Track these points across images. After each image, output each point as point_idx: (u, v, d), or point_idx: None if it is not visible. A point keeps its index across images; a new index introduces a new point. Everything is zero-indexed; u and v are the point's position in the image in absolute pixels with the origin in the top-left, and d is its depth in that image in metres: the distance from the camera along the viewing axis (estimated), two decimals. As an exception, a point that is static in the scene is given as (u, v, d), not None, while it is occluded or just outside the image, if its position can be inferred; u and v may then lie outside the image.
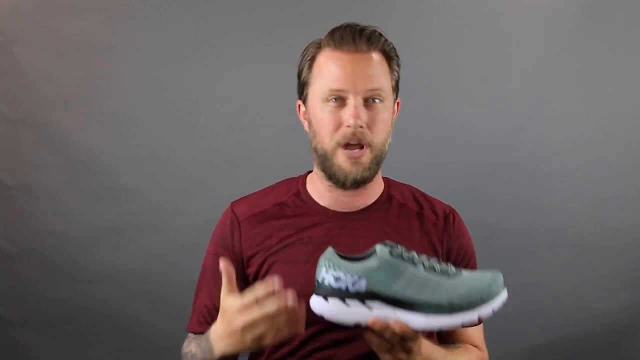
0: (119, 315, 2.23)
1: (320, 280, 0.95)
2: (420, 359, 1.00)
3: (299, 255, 1.13)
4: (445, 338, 1.21)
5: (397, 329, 0.92)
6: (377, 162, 1.13)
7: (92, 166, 2.22)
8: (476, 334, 1.22)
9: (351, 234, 1.15)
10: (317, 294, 0.96)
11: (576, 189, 2.29)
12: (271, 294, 0.92)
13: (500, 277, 0.97)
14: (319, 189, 1.19)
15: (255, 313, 0.92)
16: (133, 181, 2.23)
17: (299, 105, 1.21)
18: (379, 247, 0.95)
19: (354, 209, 1.17)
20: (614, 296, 2.29)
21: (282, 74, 2.12)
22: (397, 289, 0.93)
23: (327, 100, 1.10)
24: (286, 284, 1.02)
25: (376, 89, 1.10)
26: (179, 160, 2.24)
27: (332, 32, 1.13)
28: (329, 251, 0.96)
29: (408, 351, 0.96)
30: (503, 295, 0.96)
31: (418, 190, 1.26)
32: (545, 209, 2.29)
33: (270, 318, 0.92)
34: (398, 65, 1.17)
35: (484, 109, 2.28)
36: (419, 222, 1.19)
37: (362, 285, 0.92)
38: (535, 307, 2.29)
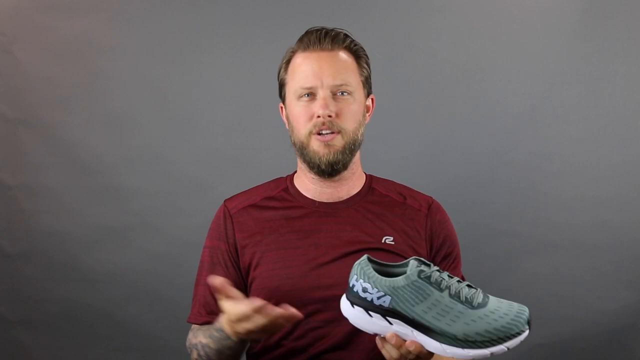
0: (119, 315, 2.24)
1: (351, 285, 1.00)
2: None
3: (289, 242, 1.22)
4: None
5: (411, 348, 0.97)
6: (350, 147, 1.22)
7: (92, 166, 2.23)
8: None
9: (337, 222, 1.24)
10: (347, 298, 1.01)
11: (575, 188, 2.28)
12: (258, 311, 0.98)
13: (525, 314, 0.97)
14: (304, 183, 1.28)
15: (250, 325, 0.99)
16: (133, 181, 2.23)
17: (281, 108, 1.31)
18: (411, 263, 0.98)
19: (338, 200, 1.26)
20: (613, 295, 2.28)
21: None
22: (418, 311, 0.96)
23: (300, 97, 1.21)
24: (279, 269, 1.18)
25: (342, 84, 1.20)
26: (179, 160, 2.24)
27: (302, 38, 1.25)
28: (364, 260, 1.00)
29: None
30: (523, 336, 0.97)
31: (401, 185, 1.34)
32: (545, 208, 2.28)
33: (263, 325, 0.99)
34: (367, 63, 1.27)
35: (484, 109, 2.28)
36: (402, 210, 1.27)
37: (386, 302, 0.96)
38: (534, 307, 2.17)
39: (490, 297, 0.99)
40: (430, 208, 1.29)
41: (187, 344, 1.24)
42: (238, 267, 1.25)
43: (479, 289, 1.00)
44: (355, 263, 1.00)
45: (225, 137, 2.25)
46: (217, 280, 1.01)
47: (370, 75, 1.28)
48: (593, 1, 2.25)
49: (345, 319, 1.03)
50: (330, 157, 1.20)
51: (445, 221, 1.30)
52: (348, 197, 1.27)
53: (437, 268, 0.99)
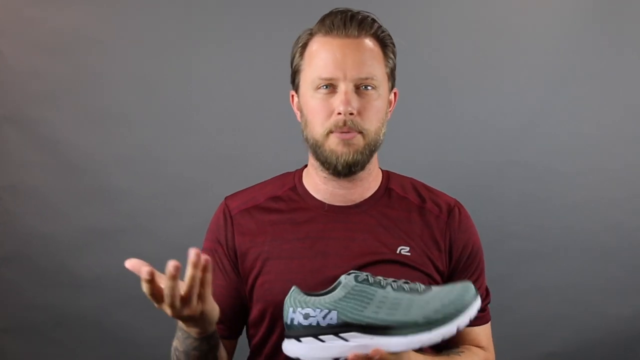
0: (108, 322, 2.21)
1: (289, 322, 0.95)
2: None
3: (294, 251, 1.13)
4: (449, 341, 1.16)
5: (377, 358, 0.91)
6: (370, 149, 1.11)
7: (81, 165, 2.20)
8: (482, 333, 1.19)
9: (348, 228, 1.14)
10: (289, 336, 0.95)
11: (589, 189, 2.29)
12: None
13: (470, 287, 0.99)
14: (314, 182, 1.18)
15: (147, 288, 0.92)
16: (124, 181, 2.21)
17: (292, 96, 1.20)
18: (343, 277, 0.96)
19: (350, 203, 1.16)
20: (628, 302, 2.28)
21: (278, 72, 2.08)
22: (369, 314, 0.92)
23: (318, 88, 1.09)
24: (281, 280, 1.08)
25: (367, 77, 1.08)
26: (172, 159, 2.22)
27: (324, 19, 1.13)
28: (294, 290, 0.96)
29: None
30: (477, 303, 0.97)
31: (421, 183, 1.24)
32: (557, 210, 2.29)
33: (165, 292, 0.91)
34: (394, 53, 1.15)
35: (493, 107, 2.28)
36: (420, 216, 1.17)
37: (333, 318, 0.92)
38: (546, 314, 2.29)
39: (431, 286, 1.00)
40: (450, 214, 1.18)
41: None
42: (238, 271, 1.17)
43: (417, 282, 1.00)
44: (286, 299, 0.95)
45: (220, 136, 2.23)
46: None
47: (395, 66, 1.16)
48: (599, 1, 2.26)
49: None
50: (349, 158, 1.09)
51: (466, 229, 1.19)
52: (362, 200, 1.16)
53: (369, 273, 0.97)
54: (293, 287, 0.96)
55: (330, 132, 1.08)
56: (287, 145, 2.14)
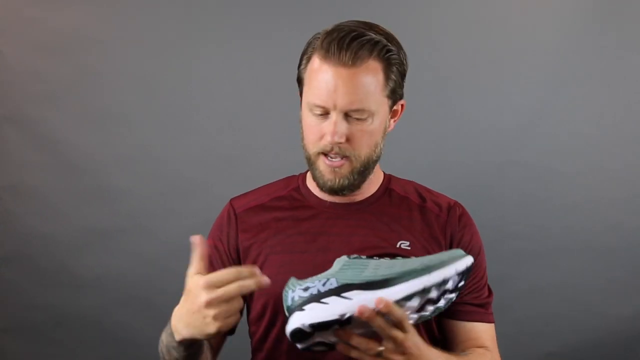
0: (108, 322, 2.22)
1: (289, 302, 0.95)
2: None
3: (295, 245, 1.16)
4: (453, 341, 1.19)
5: (382, 307, 0.90)
6: (360, 171, 1.14)
7: (80, 165, 2.20)
8: (486, 335, 1.19)
9: (349, 224, 1.17)
10: (292, 311, 0.95)
11: (589, 189, 2.29)
12: (239, 277, 0.91)
13: (459, 250, 1.00)
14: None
15: (219, 292, 0.90)
16: (123, 181, 2.21)
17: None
18: (336, 260, 0.98)
19: (351, 201, 1.20)
20: (628, 302, 2.28)
21: (278, 72, 2.08)
22: (368, 274, 0.94)
23: (312, 111, 1.11)
24: (283, 274, 1.05)
25: (358, 109, 1.08)
26: (172, 159, 2.22)
27: (325, 36, 1.09)
28: (291, 280, 0.97)
29: (403, 353, 0.95)
30: (470, 257, 0.98)
31: (421, 186, 1.26)
32: (557, 210, 2.29)
33: (230, 299, 0.91)
34: (399, 70, 1.13)
35: (493, 107, 2.28)
36: (421, 215, 1.20)
37: (332, 283, 0.93)
38: (546, 313, 2.29)
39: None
40: (450, 212, 1.20)
41: None
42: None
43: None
44: (285, 288, 0.96)
45: (220, 136, 2.23)
46: (201, 243, 0.96)
47: (401, 81, 1.14)
48: (598, 2, 2.25)
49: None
50: (335, 184, 1.13)
51: (466, 226, 1.21)
52: (362, 198, 1.20)
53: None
54: (291, 278, 0.97)
55: (319, 153, 1.12)
56: (287, 146, 2.14)
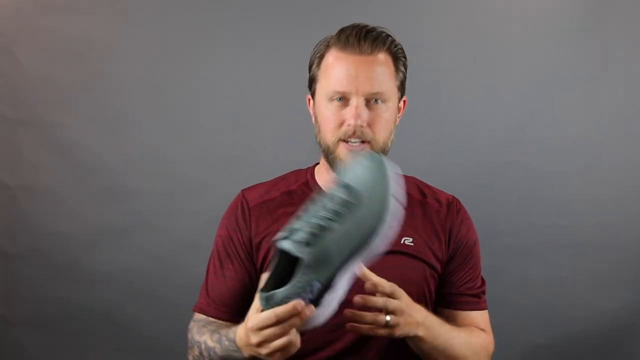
0: (119, 315, 2.23)
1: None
2: (411, 320, 1.03)
3: None
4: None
5: (369, 286, 0.96)
6: None
7: (92, 166, 2.22)
8: (480, 319, 1.25)
9: None
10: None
11: (576, 188, 2.29)
12: (288, 316, 0.89)
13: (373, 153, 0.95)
14: (326, 179, 1.23)
15: (269, 332, 0.90)
16: (133, 181, 2.23)
17: (309, 99, 1.24)
18: (282, 246, 0.89)
19: None
20: (614, 295, 2.29)
21: (282, 73, 2.13)
22: (339, 258, 0.89)
23: (332, 100, 1.14)
24: None
25: (377, 92, 1.14)
26: (179, 160, 2.24)
27: (340, 33, 1.16)
28: (261, 296, 0.89)
29: (394, 312, 0.99)
30: (393, 168, 0.94)
31: (422, 182, 1.30)
32: (546, 208, 2.29)
33: (283, 335, 0.90)
34: (405, 66, 1.20)
35: (485, 109, 2.28)
36: (422, 210, 1.23)
37: (317, 287, 0.89)
38: (535, 306, 2.30)
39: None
40: (450, 207, 1.25)
41: (189, 336, 1.19)
42: (252, 259, 1.21)
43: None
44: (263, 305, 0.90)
45: (225, 136, 2.24)
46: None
47: (405, 77, 1.22)
48: (593, 2, 2.25)
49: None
50: None
51: (463, 221, 1.25)
52: None
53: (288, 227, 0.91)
54: (258, 293, 0.91)
55: (340, 140, 1.14)
56: (288, 146, 2.20)
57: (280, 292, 0.88)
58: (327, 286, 0.90)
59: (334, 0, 2.22)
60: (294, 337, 0.90)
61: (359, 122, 1.12)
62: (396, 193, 0.93)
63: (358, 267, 0.94)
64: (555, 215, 2.29)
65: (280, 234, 0.90)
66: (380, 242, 0.92)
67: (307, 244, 0.87)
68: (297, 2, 2.22)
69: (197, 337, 1.16)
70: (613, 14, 2.26)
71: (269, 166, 2.09)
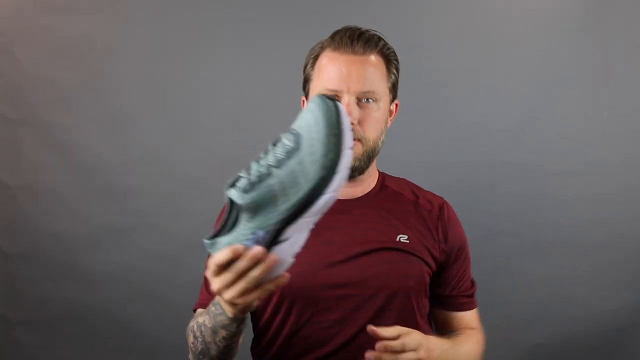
0: (119, 315, 2.24)
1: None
2: (432, 346, 1.07)
3: None
4: (445, 327, 1.29)
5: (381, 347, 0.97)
6: (369, 155, 1.19)
7: (92, 166, 2.23)
8: (473, 317, 1.30)
9: (352, 219, 1.21)
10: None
11: (575, 187, 2.29)
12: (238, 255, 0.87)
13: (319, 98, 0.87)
14: None
15: (225, 277, 0.88)
16: (133, 181, 2.23)
17: (303, 101, 1.26)
18: (230, 193, 0.86)
19: (352, 197, 1.24)
20: (613, 295, 2.29)
21: (282, 73, 2.13)
22: (282, 207, 0.85)
23: None
24: (290, 267, 1.05)
25: (369, 91, 1.15)
26: (178, 160, 2.24)
27: (334, 35, 1.19)
28: (206, 243, 0.88)
29: (415, 348, 1.02)
30: (345, 116, 0.86)
31: (413, 183, 1.32)
32: (545, 207, 2.29)
33: (242, 275, 0.87)
34: (397, 69, 1.22)
35: (485, 109, 2.28)
36: (415, 209, 1.26)
37: (260, 235, 0.86)
38: (535, 306, 2.30)
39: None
40: (441, 210, 1.27)
41: (188, 331, 1.17)
42: None
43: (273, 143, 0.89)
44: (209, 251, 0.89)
45: (226, 136, 2.24)
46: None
47: (397, 81, 1.24)
48: (593, 2, 2.25)
49: (354, 320, 1.03)
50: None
51: (455, 224, 1.29)
52: (362, 194, 1.25)
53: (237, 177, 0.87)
54: (205, 241, 0.89)
55: None
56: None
57: (223, 239, 0.87)
58: (274, 236, 0.86)
59: (334, 1, 2.22)
60: (251, 284, 0.87)
61: (350, 120, 1.09)
62: (345, 140, 0.85)
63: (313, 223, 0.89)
64: (555, 214, 2.29)
65: (227, 182, 0.87)
66: (332, 190, 0.86)
67: (245, 190, 0.85)
68: (297, 2, 2.23)
69: (191, 324, 1.15)
70: (613, 14, 2.26)
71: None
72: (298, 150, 0.85)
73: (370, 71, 1.16)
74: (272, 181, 0.85)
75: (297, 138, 0.86)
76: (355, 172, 1.19)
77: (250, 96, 2.24)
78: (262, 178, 0.85)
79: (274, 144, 0.88)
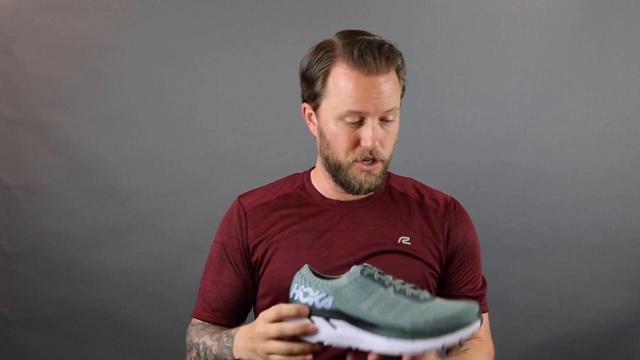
0: (119, 315, 2.24)
1: (291, 295, 0.97)
2: None
3: (301, 242, 1.18)
4: None
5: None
6: (385, 170, 1.19)
7: (92, 166, 2.23)
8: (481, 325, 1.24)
9: (353, 221, 1.19)
10: None
11: (575, 189, 2.30)
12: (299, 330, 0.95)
13: (475, 308, 0.90)
14: (322, 183, 1.23)
15: (279, 347, 0.96)
16: (133, 181, 2.23)
17: (305, 109, 1.20)
18: (353, 267, 0.95)
19: (355, 199, 1.22)
20: (613, 296, 2.30)
21: (282, 74, 2.13)
22: (363, 308, 0.91)
23: (343, 118, 1.11)
24: (289, 269, 1.09)
25: (391, 109, 1.11)
26: (179, 160, 2.24)
27: (349, 46, 1.10)
28: (304, 268, 0.97)
29: None
30: (474, 327, 0.89)
31: (419, 182, 1.30)
32: (545, 208, 2.30)
33: (289, 353, 0.96)
34: (405, 73, 1.18)
35: (484, 110, 2.28)
36: (420, 209, 1.23)
37: (328, 303, 0.92)
38: (535, 307, 2.30)
39: (437, 297, 0.95)
40: (447, 208, 1.24)
41: (188, 339, 1.21)
42: (249, 266, 1.22)
43: (425, 289, 0.96)
44: (296, 274, 0.97)
45: (226, 137, 2.25)
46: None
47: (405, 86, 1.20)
48: (593, 2, 2.25)
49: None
50: (372, 186, 1.15)
51: (463, 221, 1.25)
52: (366, 196, 1.21)
53: (380, 270, 0.95)
54: (305, 265, 0.98)
55: (355, 161, 1.13)
56: (288, 147, 2.21)
57: (312, 276, 0.96)
58: (332, 313, 0.93)
59: (335, 2, 2.22)
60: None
61: (377, 144, 1.10)
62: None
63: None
64: (555, 215, 2.30)
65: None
66: (396, 347, 0.91)
67: (370, 275, 0.94)
68: (297, 4, 2.23)
69: (195, 339, 1.18)
70: (613, 14, 2.26)
71: (269, 166, 2.12)
72: (431, 301, 0.92)
73: (390, 87, 1.11)
74: (381, 291, 0.92)
75: (432, 297, 0.93)
76: (376, 189, 1.18)
77: (250, 97, 2.24)
78: (379, 281, 0.94)
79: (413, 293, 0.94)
